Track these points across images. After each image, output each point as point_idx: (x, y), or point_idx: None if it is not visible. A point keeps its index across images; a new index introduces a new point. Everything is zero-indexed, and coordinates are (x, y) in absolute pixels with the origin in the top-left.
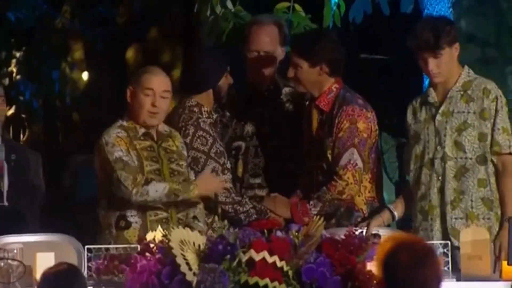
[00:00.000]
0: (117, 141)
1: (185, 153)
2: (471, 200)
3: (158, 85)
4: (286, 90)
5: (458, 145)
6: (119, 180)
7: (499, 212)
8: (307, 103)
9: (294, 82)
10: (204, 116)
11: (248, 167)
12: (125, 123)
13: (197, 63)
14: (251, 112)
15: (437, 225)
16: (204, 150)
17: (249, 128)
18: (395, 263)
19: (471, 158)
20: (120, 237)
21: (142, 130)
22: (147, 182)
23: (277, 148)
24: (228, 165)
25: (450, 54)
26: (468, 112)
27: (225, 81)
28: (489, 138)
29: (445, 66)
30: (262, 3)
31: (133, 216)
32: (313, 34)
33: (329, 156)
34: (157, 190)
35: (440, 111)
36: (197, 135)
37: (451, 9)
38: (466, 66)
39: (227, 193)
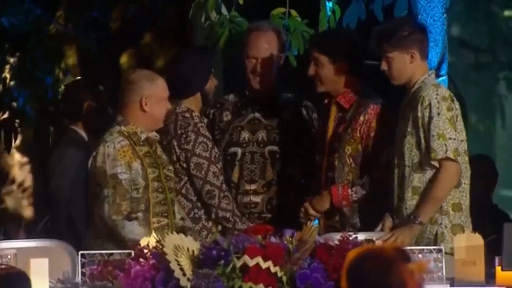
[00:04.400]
0: (119, 154)
1: (165, 157)
2: (406, 208)
3: (167, 92)
4: (284, 96)
5: (399, 152)
6: (105, 198)
7: (439, 220)
8: (326, 100)
9: (315, 81)
10: (196, 121)
11: (244, 173)
12: (124, 128)
13: (182, 66)
14: (248, 118)
15: None
16: (206, 156)
17: (245, 134)
18: (359, 271)
19: (409, 166)
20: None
21: (143, 136)
22: (130, 218)
23: (274, 155)
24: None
25: (402, 59)
26: (408, 120)
27: (211, 83)
28: (423, 145)
29: (395, 72)
30: (257, 9)
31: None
32: (335, 31)
33: (347, 152)
34: (132, 231)
35: (399, 115)
36: (198, 141)
37: (445, 15)
38: (430, 72)
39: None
